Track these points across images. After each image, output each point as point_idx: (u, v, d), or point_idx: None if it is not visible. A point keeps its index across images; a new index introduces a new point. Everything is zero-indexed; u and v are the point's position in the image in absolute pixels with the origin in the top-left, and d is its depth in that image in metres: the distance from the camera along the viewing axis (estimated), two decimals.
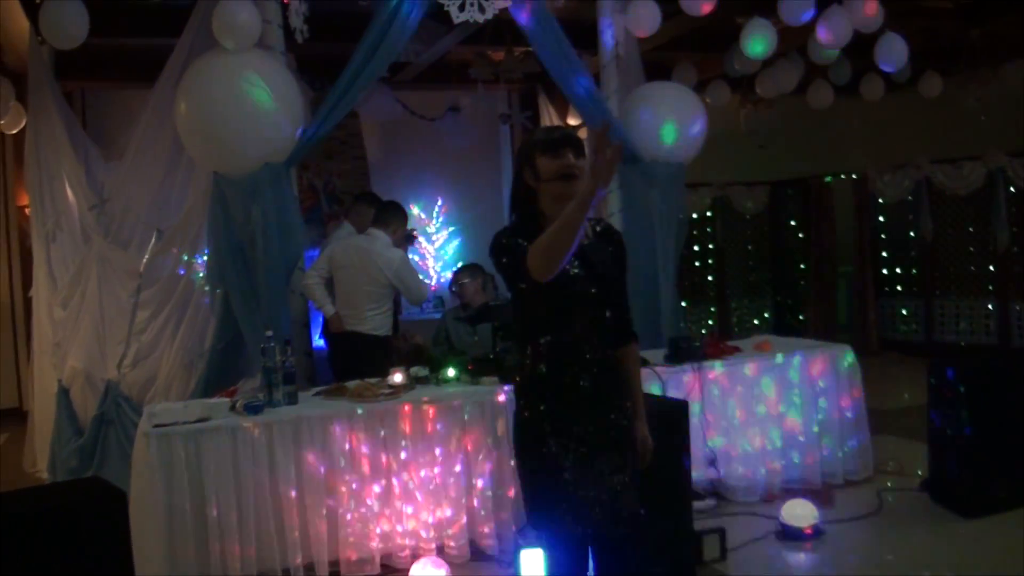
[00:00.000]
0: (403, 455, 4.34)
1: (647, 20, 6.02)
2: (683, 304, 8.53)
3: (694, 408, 4.87)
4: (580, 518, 2.71)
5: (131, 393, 5.81)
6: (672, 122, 6.20)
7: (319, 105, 5.53)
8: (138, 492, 3.94)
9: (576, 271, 2.77)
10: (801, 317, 10.97)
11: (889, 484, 5.36)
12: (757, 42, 6.46)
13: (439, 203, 10.13)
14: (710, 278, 10.95)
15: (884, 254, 10.53)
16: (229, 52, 5.03)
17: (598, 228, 2.94)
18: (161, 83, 5.60)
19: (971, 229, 9.70)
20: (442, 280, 9.85)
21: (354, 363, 5.45)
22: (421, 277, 5.92)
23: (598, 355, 2.81)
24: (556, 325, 2.77)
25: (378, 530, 4.30)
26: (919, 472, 5.38)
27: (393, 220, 5.93)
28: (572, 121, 8.85)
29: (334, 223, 8.91)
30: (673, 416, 4.15)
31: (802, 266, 11.04)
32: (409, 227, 6.27)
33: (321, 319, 6.13)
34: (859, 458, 5.45)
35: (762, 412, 5.22)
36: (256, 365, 4.75)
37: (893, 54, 6.89)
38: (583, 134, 3.81)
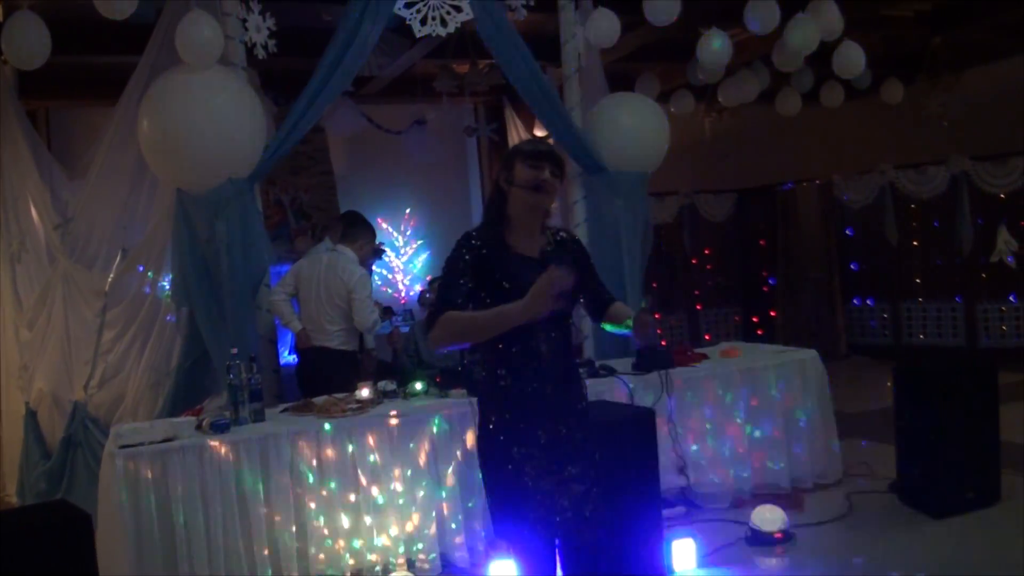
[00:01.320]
0: (371, 470, 4.34)
1: (607, 32, 6.07)
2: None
3: (662, 416, 4.90)
4: (545, 526, 2.74)
5: (99, 414, 5.76)
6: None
7: (283, 120, 5.52)
8: (105, 513, 3.91)
9: (535, 278, 2.80)
10: (769, 323, 11.06)
11: (858, 486, 5.42)
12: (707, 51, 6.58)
13: (406, 216, 10.14)
14: (678, 284, 11.02)
15: (851, 259, 10.65)
16: (192, 68, 5.02)
17: (558, 237, 2.98)
18: (124, 100, 5.57)
19: (936, 233, 9.83)
20: (411, 293, 9.85)
21: (321, 378, 5.44)
22: (376, 306, 5.85)
23: (560, 364, 2.85)
24: (517, 335, 2.80)
25: (348, 546, 4.29)
26: (888, 474, 5.44)
27: (360, 236, 5.92)
28: (539, 132, 8.89)
29: (302, 239, 8.87)
30: (641, 424, 4.17)
31: (770, 272, 11.14)
32: (377, 242, 6.26)
33: (290, 335, 6.11)
34: (828, 462, 5.50)
35: (731, 418, 5.25)
36: (222, 383, 4.73)
37: (851, 62, 7.01)
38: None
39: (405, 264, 10.11)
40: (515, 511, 2.76)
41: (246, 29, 5.22)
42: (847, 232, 10.65)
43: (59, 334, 5.98)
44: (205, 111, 4.99)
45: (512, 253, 2.83)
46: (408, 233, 10.16)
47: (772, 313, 11.08)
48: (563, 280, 2.60)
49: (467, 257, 2.81)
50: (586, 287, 3.03)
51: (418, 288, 9.67)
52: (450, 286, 2.80)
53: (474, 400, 4.47)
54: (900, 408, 5.14)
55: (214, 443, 4.06)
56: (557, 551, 2.80)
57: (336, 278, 5.69)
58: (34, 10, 5.11)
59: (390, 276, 9.90)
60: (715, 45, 6.59)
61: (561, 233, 3.03)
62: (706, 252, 11.21)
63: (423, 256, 10.18)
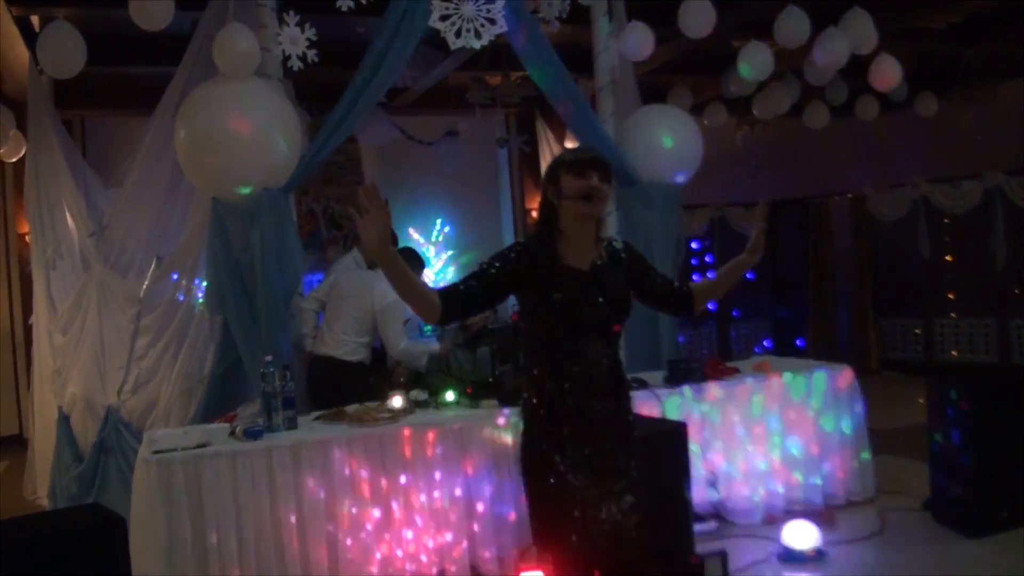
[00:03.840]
0: (403, 479, 4.34)
1: (641, 45, 6.06)
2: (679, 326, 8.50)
3: (694, 430, 4.87)
4: (587, 540, 2.72)
5: (131, 419, 5.81)
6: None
7: (317, 131, 5.57)
8: (138, 519, 3.94)
9: (585, 291, 2.80)
10: (801, 337, 10.98)
11: (891, 504, 5.36)
12: (745, 67, 6.53)
13: (437, 227, 10.16)
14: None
15: (883, 273, 10.55)
16: (228, 79, 5.07)
17: (611, 248, 2.97)
18: (160, 110, 5.64)
19: (969, 248, 9.72)
20: None
21: (330, 389, 5.45)
22: (409, 335, 5.86)
23: (609, 377, 2.84)
24: (566, 347, 2.80)
25: (378, 555, 4.29)
26: (921, 492, 5.37)
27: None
28: (570, 144, 8.90)
29: (334, 247, 8.93)
30: (672, 438, 4.15)
31: (801, 286, 11.06)
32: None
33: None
34: (860, 479, 5.43)
35: (762, 433, 5.22)
36: (255, 390, 4.75)
37: (887, 75, 6.95)
38: None
39: (435, 275, 10.13)
40: (557, 524, 2.75)
41: (280, 42, 5.27)
42: (880, 247, 10.56)
43: (93, 339, 6.05)
44: (242, 125, 5.04)
45: (561, 264, 2.83)
46: (439, 243, 10.18)
47: (804, 327, 11.00)
48: None
49: (513, 255, 2.82)
50: (651, 291, 3.02)
51: None
52: (475, 270, 2.84)
53: (507, 411, 4.53)
54: (933, 425, 5.08)
55: (247, 449, 4.09)
56: (595, 565, 2.78)
57: (367, 295, 5.70)
58: (70, 20, 5.19)
59: None
60: (743, 73, 6.58)
61: (615, 243, 3.02)
62: None
63: (453, 267, 10.19)
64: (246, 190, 5.06)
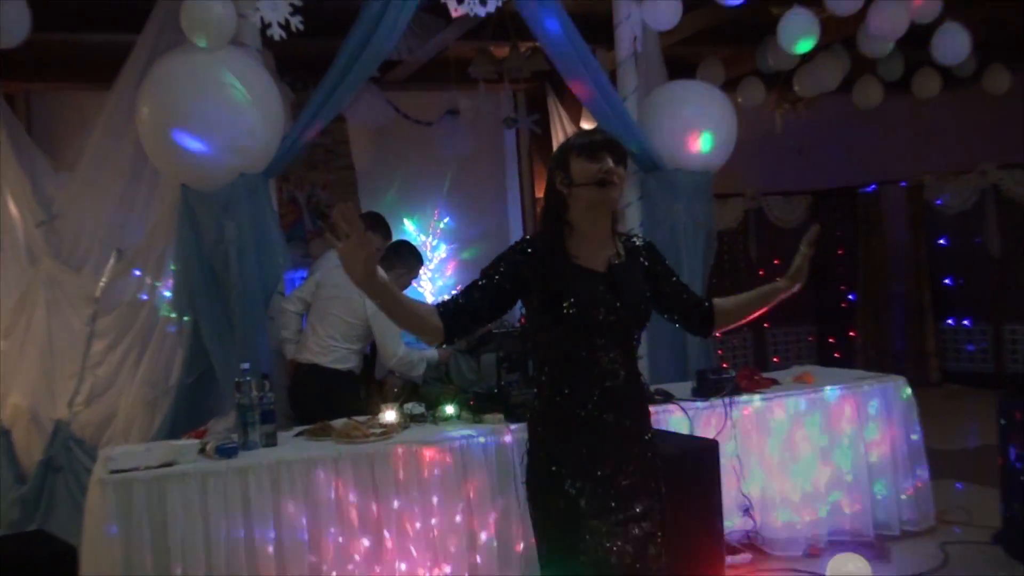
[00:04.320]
0: (396, 504, 4.35)
1: (667, 12, 6.06)
2: None
3: (726, 449, 4.87)
4: (600, 570, 2.73)
5: (84, 435, 5.82)
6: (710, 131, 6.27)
7: (301, 109, 5.58)
8: (91, 547, 3.93)
9: (601, 294, 2.81)
10: (848, 344, 10.96)
11: (954, 535, 5.35)
12: (803, 41, 6.49)
13: (435, 218, 10.17)
14: None
15: (944, 272, 10.52)
16: (199, 50, 5.08)
17: (629, 245, 2.98)
18: (120, 84, 5.65)
19: None
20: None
21: (315, 400, 5.46)
22: (404, 341, 5.88)
23: (627, 389, 2.85)
24: (578, 356, 2.81)
25: None
26: (990, 522, 5.35)
27: (399, 264, 5.95)
28: (586, 125, 8.89)
29: (319, 241, 8.93)
30: (702, 458, 4.15)
31: (849, 286, 11.04)
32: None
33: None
34: (918, 506, 5.43)
35: (804, 453, 5.21)
36: (229, 402, 4.76)
37: (953, 46, 6.93)
38: None
39: (433, 272, 10.13)
40: (566, 552, 2.76)
41: (259, 8, 5.27)
42: (940, 241, 10.53)
43: (40, 344, 6.02)
44: (216, 101, 5.07)
45: (573, 265, 2.83)
46: (438, 237, 10.19)
47: (851, 333, 10.98)
48: None
49: (519, 257, 2.83)
50: (665, 299, 3.03)
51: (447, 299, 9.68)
52: (477, 278, 2.86)
53: (513, 427, 4.53)
54: (1005, 445, 5.06)
55: (219, 469, 4.09)
56: None
57: (359, 296, 5.70)
58: None
59: (416, 285, 9.92)
60: (798, 48, 6.55)
61: (634, 239, 3.03)
62: (775, 263, 11.11)
63: (454, 263, 10.20)
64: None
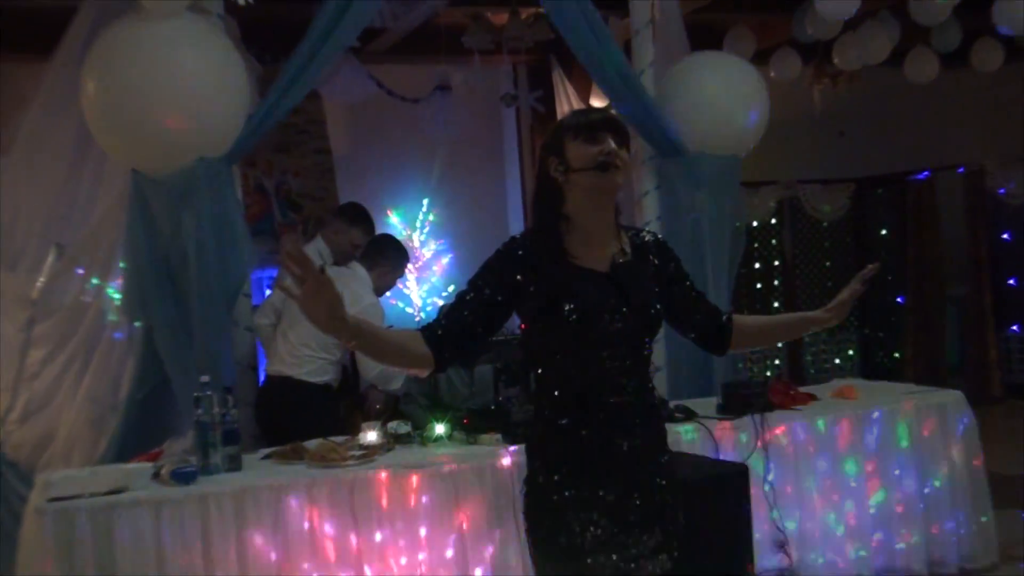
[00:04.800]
0: (378, 536, 4.34)
1: None
2: None
3: (757, 474, 4.88)
4: None
5: (18, 457, 5.80)
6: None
7: (269, 84, 5.57)
8: None
9: (604, 299, 2.80)
10: (897, 355, 10.96)
11: (1020, 572, 5.35)
12: None
13: (423, 209, 10.17)
14: (776, 304, 10.95)
15: (1008, 272, 10.51)
16: (152, 16, 5.08)
17: (637, 241, 2.98)
18: (61, 56, 5.64)
19: None
20: (428, 309, 9.86)
21: (285, 417, 5.48)
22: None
23: (636, 404, 2.85)
24: (578, 367, 2.81)
25: None
26: None
27: (382, 262, 5.96)
28: (596, 102, 8.90)
29: (290, 235, 8.92)
30: (729, 485, 4.16)
31: (897, 288, 11.04)
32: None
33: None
34: (978, 539, 5.44)
35: (848, 481, 5.22)
36: (187, 420, 4.76)
37: (1017, 14, 6.93)
38: None
39: (421, 271, 10.13)
40: None
41: None
42: (1003, 236, 10.53)
43: None
44: (170, 71, 5.06)
45: (573, 266, 2.83)
46: (426, 231, 10.19)
47: (900, 342, 10.97)
48: None
49: (509, 264, 2.82)
50: (676, 306, 3.03)
51: (438, 303, 9.68)
52: (465, 293, 2.87)
53: (512, 448, 4.53)
54: None
55: (176, 497, 4.09)
56: None
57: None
58: None
59: (402, 287, 9.92)
60: None
61: (643, 234, 3.02)
62: (812, 260, 11.14)
63: (444, 260, 10.20)
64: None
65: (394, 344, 2.78)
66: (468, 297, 2.84)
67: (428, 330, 2.80)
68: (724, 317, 3.13)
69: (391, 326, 5.92)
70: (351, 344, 2.70)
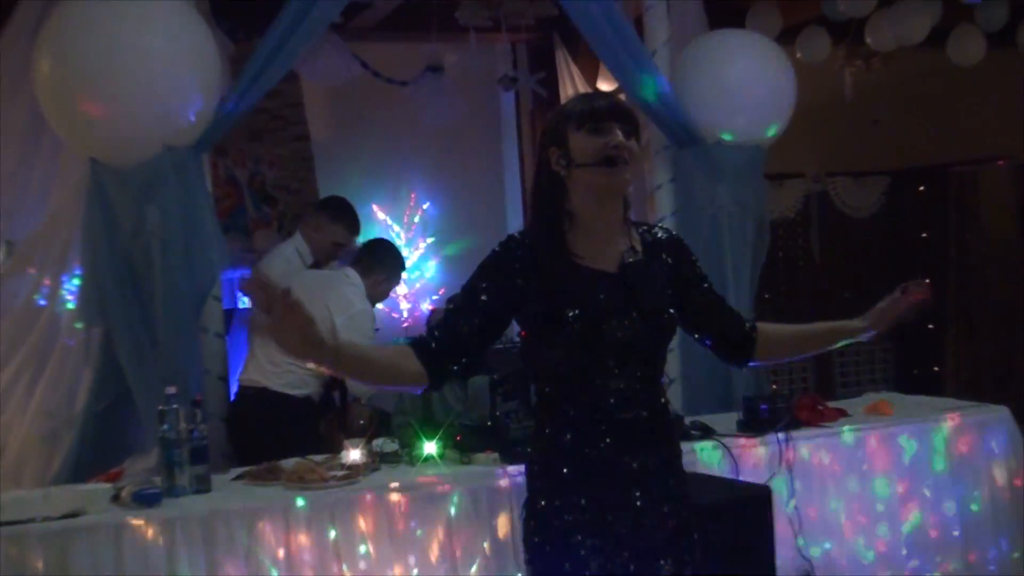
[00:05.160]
0: (363, 565, 4.35)
1: None
2: None
3: (781, 497, 4.89)
4: None
5: None
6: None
7: (243, 63, 5.58)
8: None
9: (612, 303, 2.80)
10: (936, 367, 10.96)
11: None
12: None
13: (412, 203, 10.17)
14: (802, 308, 10.95)
15: None
16: None
17: (649, 238, 2.98)
18: (9, 33, 5.65)
19: None
20: (417, 313, 9.86)
21: (259, 433, 5.53)
22: None
23: (649, 421, 2.85)
24: (583, 379, 2.81)
25: None
26: None
27: (379, 269, 5.99)
28: (604, 85, 8.90)
29: (264, 232, 8.92)
30: (750, 509, 4.17)
31: (937, 291, 11.02)
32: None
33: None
34: (1022, 568, 5.44)
35: (881, 504, 5.24)
36: (150, 436, 4.77)
37: None
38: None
39: (410, 271, 10.13)
40: None
41: None
42: None
43: None
44: (132, 49, 5.07)
45: (577, 267, 2.83)
46: (414, 227, 10.19)
47: (940, 351, 10.97)
48: None
49: (506, 265, 2.83)
50: (693, 311, 3.03)
51: (427, 307, 9.68)
52: (459, 299, 2.90)
53: (510, 469, 4.53)
54: None
55: (138, 521, 4.09)
56: None
57: (320, 302, 5.73)
58: None
59: (394, 294, 9.92)
60: None
61: (656, 231, 3.03)
62: (843, 261, 11.13)
63: (435, 261, 10.20)
64: None
65: (382, 363, 2.78)
66: (463, 305, 2.84)
67: (420, 344, 2.80)
68: (748, 325, 3.13)
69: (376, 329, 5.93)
70: (332, 370, 2.69)
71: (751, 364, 3.21)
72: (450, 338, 2.81)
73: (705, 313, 3.09)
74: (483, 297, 2.84)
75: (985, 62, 9.08)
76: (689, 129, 6.17)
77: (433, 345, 2.80)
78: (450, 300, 2.88)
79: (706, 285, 3.10)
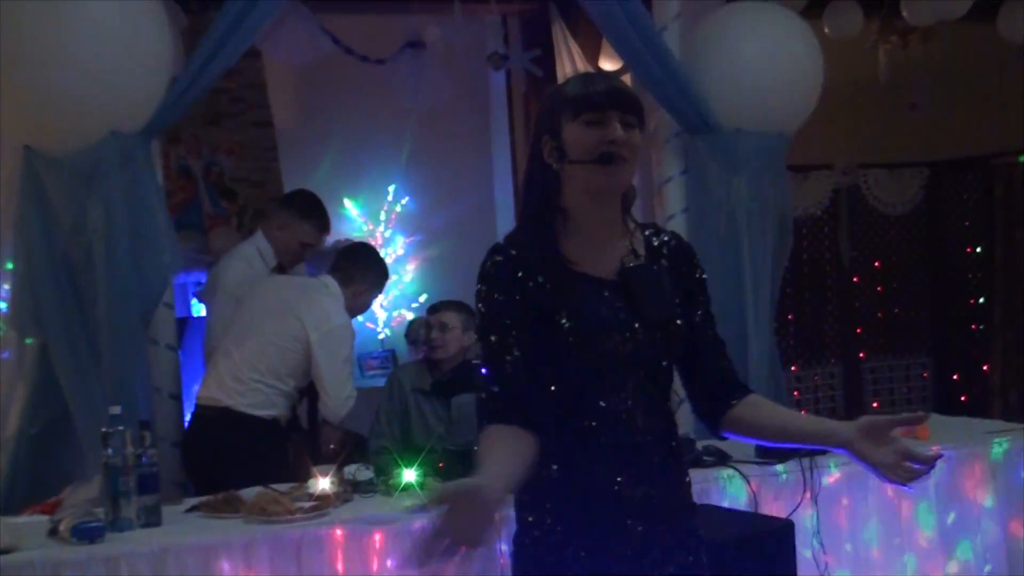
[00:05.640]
0: None
1: None
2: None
3: (805, 531, 4.90)
4: None
5: None
6: None
7: (198, 38, 5.58)
8: None
9: (613, 315, 2.80)
10: (981, 382, 10.97)
11: None
12: None
13: (389, 197, 10.17)
14: (831, 315, 10.97)
15: None
16: None
17: (654, 242, 2.97)
18: None
19: None
20: (394, 324, 9.85)
21: (211, 460, 5.53)
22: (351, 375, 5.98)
23: (655, 445, 2.87)
24: (580, 398, 2.82)
25: None
26: None
27: (359, 279, 6.00)
28: (607, 65, 8.92)
29: (222, 230, 8.91)
30: (770, 545, 4.17)
31: (981, 298, 11.06)
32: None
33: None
34: None
35: (918, 539, 5.27)
36: (93, 462, 4.76)
37: None
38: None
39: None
40: None
41: None
42: None
43: None
44: (72, 22, 5.07)
45: (571, 272, 2.83)
46: (392, 225, 10.19)
47: (985, 367, 10.99)
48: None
49: (511, 286, 2.79)
50: (691, 339, 3.00)
51: (406, 315, 9.67)
52: (498, 362, 2.80)
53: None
54: None
55: (79, 559, 4.09)
56: None
57: (291, 315, 5.73)
58: None
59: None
60: None
61: (663, 235, 3.01)
62: (876, 264, 11.16)
63: (415, 262, 10.20)
64: None
65: (523, 463, 2.70)
66: (508, 359, 2.78)
67: (517, 416, 2.73)
68: (735, 388, 3.05)
69: None
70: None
71: (719, 429, 3.09)
72: (524, 395, 2.76)
73: (694, 346, 2.99)
74: (507, 321, 2.79)
75: None
76: (702, 114, 6.17)
77: (527, 411, 2.74)
78: (490, 354, 2.79)
79: (701, 312, 3.03)
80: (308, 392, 6.07)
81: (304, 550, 4.35)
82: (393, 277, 9.96)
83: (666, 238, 3.01)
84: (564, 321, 2.77)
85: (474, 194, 10.08)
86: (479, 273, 2.88)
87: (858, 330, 11.07)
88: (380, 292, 6.35)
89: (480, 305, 2.87)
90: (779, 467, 5.09)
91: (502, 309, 2.81)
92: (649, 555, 2.83)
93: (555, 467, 2.83)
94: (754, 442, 3.05)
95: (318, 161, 9.54)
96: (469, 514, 2.37)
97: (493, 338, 2.81)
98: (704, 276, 3.07)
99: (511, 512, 2.95)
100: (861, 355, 11.11)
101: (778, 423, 3.02)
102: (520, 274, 2.80)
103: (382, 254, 9.88)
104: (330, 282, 5.94)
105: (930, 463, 2.76)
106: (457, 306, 6.39)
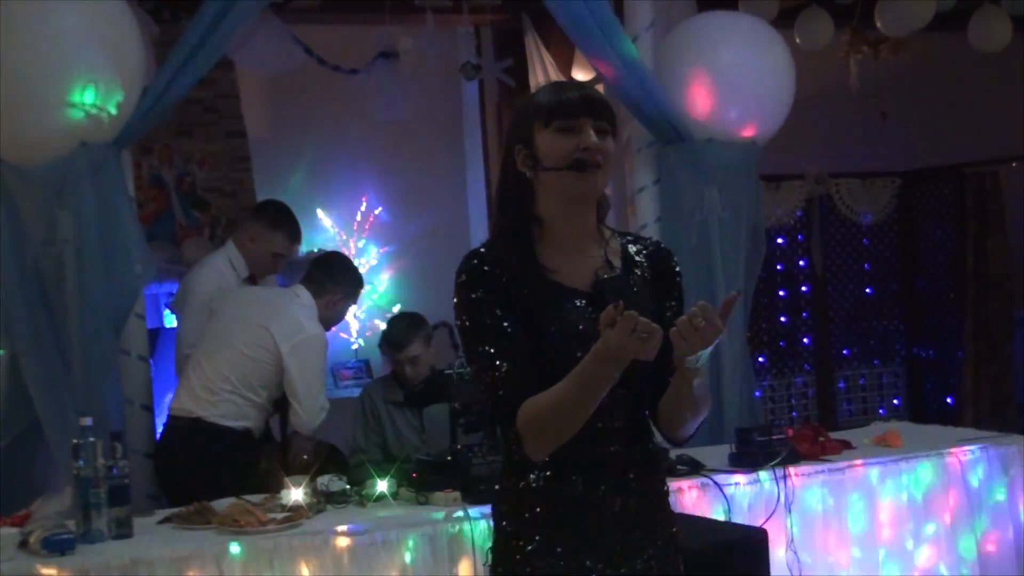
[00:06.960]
0: None
1: None
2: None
3: (779, 541, 4.91)
4: None
5: None
6: None
7: (169, 48, 5.57)
8: None
9: (587, 325, 2.79)
10: (953, 391, 11.01)
11: None
12: None
13: (363, 208, 10.16)
14: (804, 324, 10.98)
15: None
16: None
17: (631, 250, 2.96)
18: None
19: None
20: (370, 333, 9.83)
21: (183, 471, 5.51)
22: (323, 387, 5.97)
23: (630, 455, 2.87)
24: None
25: None
26: None
27: (331, 288, 5.98)
28: (580, 75, 8.93)
29: (194, 240, 8.88)
30: (744, 554, 4.17)
31: (955, 307, 11.08)
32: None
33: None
34: None
35: (892, 547, 5.27)
36: (63, 474, 4.74)
37: None
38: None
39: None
40: None
41: None
42: None
43: None
44: (42, 31, 5.07)
45: (548, 282, 2.82)
46: (365, 235, 10.18)
47: (958, 375, 11.02)
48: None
49: (495, 285, 2.78)
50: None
51: (380, 325, 9.65)
52: (495, 370, 2.78)
53: (473, 511, 4.53)
54: None
55: (49, 571, 4.06)
56: None
57: (261, 327, 5.71)
58: None
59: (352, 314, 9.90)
60: None
61: (641, 241, 3.00)
62: (849, 273, 11.18)
63: (389, 273, 10.18)
64: None
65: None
66: (512, 357, 2.75)
67: (523, 392, 2.74)
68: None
69: None
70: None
71: (672, 439, 3.04)
72: (530, 373, 2.75)
73: (665, 358, 2.78)
74: (503, 323, 2.76)
75: (1010, 48, 9.13)
76: (675, 124, 6.19)
77: (530, 387, 2.73)
78: (481, 358, 2.76)
79: (675, 304, 2.99)
80: (280, 403, 6.04)
81: (277, 561, 4.33)
82: (367, 287, 9.99)
83: (646, 247, 2.99)
84: (546, 327, 2.77)
85: (447, 204, 10.08)
86: (458, 281, 2.84)
87: (831, 339, 11.10)
88: (354, 302, 6.33)
89: (463, 315, 2.83)
90: (753, 476, 5.10)
91: (497, 312, 2.78)
92: (626, 566, 2.83)
93: (533, 477, 2.82)
94: (680, 430, 2.93)
95: (291, 171, 9.55)
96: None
97: (482, 349, 2.79)
98: (679, 279, 3.03)
99: (490, 522, 2.94)
100: (834, 364, 11.13)
101: (668, 398, 2.90)
102: (504, 279, 2.79)
103: (356, 264, 9.93)
104: (302, 292, 5.92)
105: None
106: (413, 329, 6.25)
